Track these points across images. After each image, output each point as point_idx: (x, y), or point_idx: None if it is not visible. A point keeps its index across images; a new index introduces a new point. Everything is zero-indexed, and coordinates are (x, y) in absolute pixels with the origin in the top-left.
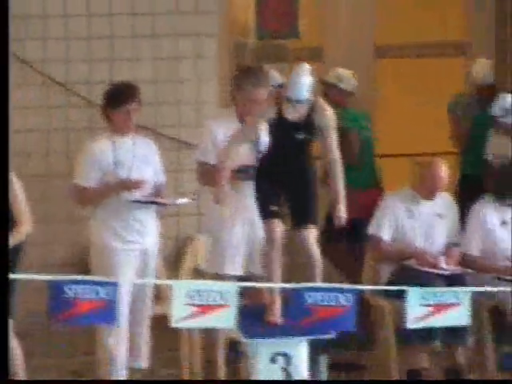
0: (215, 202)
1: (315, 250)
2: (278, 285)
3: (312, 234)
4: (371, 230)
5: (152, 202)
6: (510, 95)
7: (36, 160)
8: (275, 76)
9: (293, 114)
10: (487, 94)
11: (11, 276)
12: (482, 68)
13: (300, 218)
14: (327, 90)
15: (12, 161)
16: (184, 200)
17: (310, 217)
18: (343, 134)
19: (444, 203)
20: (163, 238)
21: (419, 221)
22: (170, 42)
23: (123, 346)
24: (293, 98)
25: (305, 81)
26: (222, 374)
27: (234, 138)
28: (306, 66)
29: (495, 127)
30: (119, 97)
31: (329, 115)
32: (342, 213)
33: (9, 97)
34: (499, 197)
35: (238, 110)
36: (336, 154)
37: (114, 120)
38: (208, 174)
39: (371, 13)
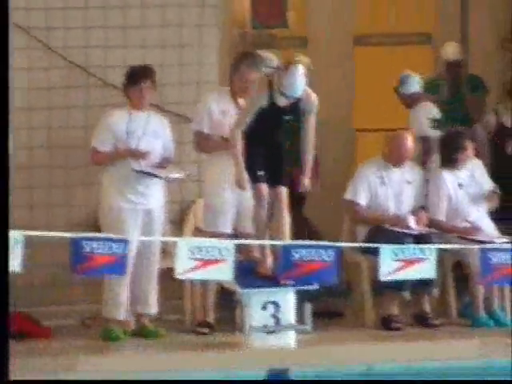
0: (238, 187)
1: (285, 205)
2: (268, 242)
3: (283, 192)
4: (348, 195)
5: (150, 174)
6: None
7: (58, 133)
8: (271, 58)
9: (284, 103)
10: (456, 71)
11: (41, 233)
12: (451, 48)
13: (275, 179)
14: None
15: (37, 133)
16: (177, 175)
17: (282, 179)
18: None
19: (411, 171)
20: (169, 202)
21: (390, 186)
22: (177, 30)
23: (126, 293)
24: (288, 94)
25: (300, 81)
26: (217, 314)
27: (238, 122)
28: (301, 67)
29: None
30: (135, 76)
31: (313, 101)
32: (306, 182)
33: (9, 98)
34: (450, 161)
35: (232, 89)
36: (312, 135)
37: (131, 96)
38: (203, 142)
39: (351, 5)
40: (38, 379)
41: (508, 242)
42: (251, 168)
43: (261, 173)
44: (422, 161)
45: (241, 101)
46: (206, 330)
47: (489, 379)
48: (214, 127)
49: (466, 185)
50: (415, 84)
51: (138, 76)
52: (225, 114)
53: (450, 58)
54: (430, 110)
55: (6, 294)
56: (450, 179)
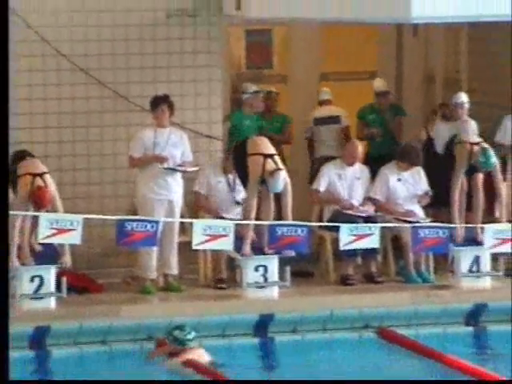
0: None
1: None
2: (259, 222)
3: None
4: (314, 185)
5: (173, 169)
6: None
7: (107, 144)
8: (251, 86)
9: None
10: (383, 100)
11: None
12: (378, 82)
13: None
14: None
15: (93, 145)
16: (192, 169)
17: None
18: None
19: (360, 169)
20: (186, 192)
21: (344, 180)
22: (193, 70)
23: (156, 259)
24: (273, 191)
25: (281, 182)
26: (224, 276)
27: None
28: (282, 173)
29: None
30: (156, 102)
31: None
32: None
33: (9, 100)
34: (401, 164)
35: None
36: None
37: (154, 117)
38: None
39: (318, 52)
40: (38, 379)
41: (430, 222)
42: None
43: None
44: None
45: None
46: (224, 286)
47: (417, 322)
48: None
49: (404, 180)
50: None
51: (158, 102)
52: None
53: (377, 89)
54: None
55: (6, 296)
56: (393, 175)
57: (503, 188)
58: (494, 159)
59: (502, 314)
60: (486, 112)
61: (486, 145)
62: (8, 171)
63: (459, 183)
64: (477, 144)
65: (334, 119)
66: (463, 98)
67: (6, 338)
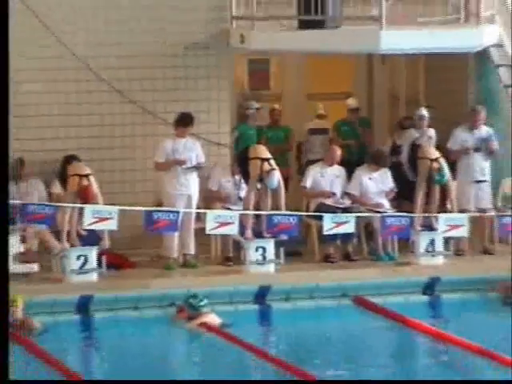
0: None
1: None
2: (259, 212)
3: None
4: (302, 182)
5: (192, 168)
6: None
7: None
8: (253, 104)
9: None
10: (354, 115)
11: (130, 207)
12: (351, 100)
13: None
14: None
15: (127, 151)
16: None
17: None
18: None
19: (338, 170)
20: (201, 189)
21: (326, 178)
22: (207, 92)
23: (177, 242)
24: (270, 187)
25: (276, 179)
26: (231, 255)
27: None
28: (277, 172)
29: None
30: (180, 118)
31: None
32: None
33: (9, 102)
34: (373, 165)
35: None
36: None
37: (176, 130)
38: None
39: (305, 76)
40: (37, 379)
41: (395, 212)
42: (244, 172)
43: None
44: None
45: None
46: (231, 263)
47: (385, 292)
48: None
49: (374, 179)
50: None
51: (179, 120)
52: None
53: (350, 106)
54: None
55: (6, 296)
56: (364, 174)
57: (453, 186)
58: (447, 176)
59: (452, 285)
60: (439, 125)
61: (442, 161)
62: (8, 173)
63: (421, 189)
64: (435, 160)
65: (323, 130)
66: (424, 112)
67: (6, 338)
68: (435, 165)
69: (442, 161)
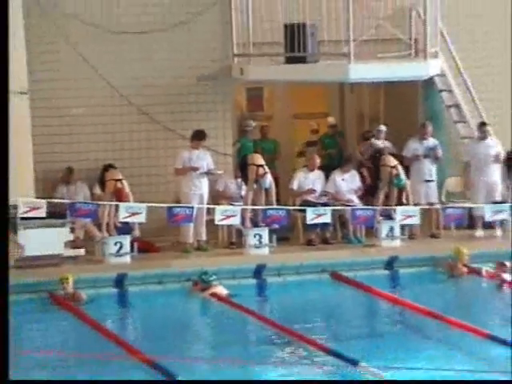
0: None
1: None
2: (257, 207)
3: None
4: (290, 184)
5: (206, 173)
6: None
7: (159, 160)
8: (251, 122)
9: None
10: (334, 129)
11: (155, 204)
12: (330, 119)
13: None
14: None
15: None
16: (219, 172)
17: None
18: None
19: (318, 173)
20: (211, 190)
21: (309, 181)
22: (213, 113)
23: (192, 230)
24: (264, 187)
25: (268, 181)
26: (234, 240)
27: None
28: (269, 176)
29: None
30: (195, 134)
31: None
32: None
33: (8, 105)
34: (343, 169)
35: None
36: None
37: (191, 144)
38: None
39: (291, 100)
40: (37, 379)
41: (363, 206)
42: (243, 173)
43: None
44: None
45: None
46: (235, 247)
47: (355, 268)
48: None
49: (346, 180)
50: None
51: (195, 135)
52: None
53: (330, 123)
54: None
55: (6, 296)
56: (339, 176)
57: (408, 186)
58: (404, 181)
59: (407, 262)
60: (396, 137)
61: (399, 168)
62: (8, 174)
63: (383, 190)
64: (394, 167)
65: (315, 142)
66: (382, 127)
67: (6, 338)
68: (394, 171)
69: (400, 168)
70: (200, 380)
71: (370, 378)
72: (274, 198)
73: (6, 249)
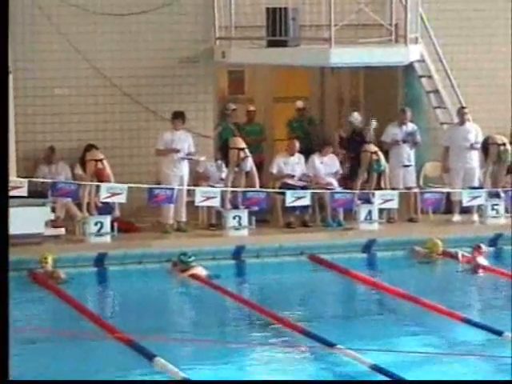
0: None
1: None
2: (237, 189)
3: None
4: (270, 168)
5: (187, 158)
6: None
7: (141, 141)
8: (231, 105)
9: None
10: (302, 113)
11: (136, 185)
12: (299, 103)
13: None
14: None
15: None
16: (201, 158)
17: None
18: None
19: (298, 157)
20: (191, 171)
21: (289, 165)
22: (195, 95)
23: (172, 211)
24: (245, 170)
25: (250, 164)
26: (214, 222)
27: None
28: (250, 159)
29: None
30: (174, 115)
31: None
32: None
33: (8, 104)
34: (322, 153)
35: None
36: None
37: (172, 124)
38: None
39: (272, 83)
40: (37, 379)
41: (342, 189)
42: (224, 156)
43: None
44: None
45: None
46: (214, 228)
47: (334, 250)
48: None
49: (324, 163)
50: None
51: (175, 116)
52: None
53: (298, 106)
54: None
55: (6, 296)
56: (316, 160)
57: (387, 171)
58: (384, 166)
59: (385, 245)
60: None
61: (380, 153)
62: (8, 170)
63: (362, 174)
64: (375, 153)
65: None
66: (356, 115)
67: (6, 338)
68: (374, 157)
69: (380, 153)
70: (200, 380)
71: (348, 359)
72: (256, 182)
73: (6, 246)
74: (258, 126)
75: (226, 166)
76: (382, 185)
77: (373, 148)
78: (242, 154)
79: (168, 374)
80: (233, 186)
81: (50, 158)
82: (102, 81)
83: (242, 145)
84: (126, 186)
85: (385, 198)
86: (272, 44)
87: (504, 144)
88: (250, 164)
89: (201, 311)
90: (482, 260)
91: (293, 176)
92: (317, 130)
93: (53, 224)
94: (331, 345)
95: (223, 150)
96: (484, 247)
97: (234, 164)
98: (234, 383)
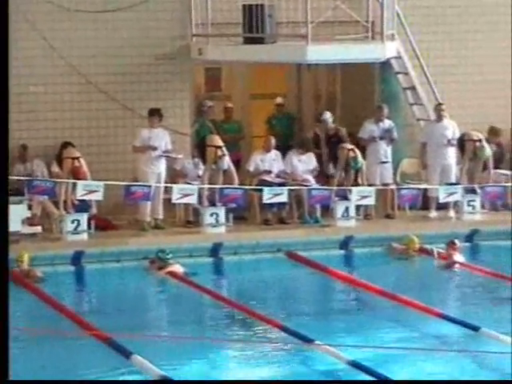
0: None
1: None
2: (214, 186)
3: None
4: (247, 166)
5: (164, 156)
6: None
7: (119, 138)
8: (208, 102)
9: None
10: (280, 109)
11: (112, 182)
12: (278, 99)
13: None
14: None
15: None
16: (179, 156)
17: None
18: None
19: (275, 154)
20: (168, 168)
21: (266, 162)
22: (172, 92)
23: (149, 208)
24: (221, 168)
25: (226, 163)
26: (191, 219)
27: None
28: (227, 158)
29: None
30: (150, 113)
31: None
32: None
33: (8, 102)
34: (300, 150)
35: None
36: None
37: (149, 122)
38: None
39: (249, 80)
40: (37, 379)
41: (319, 186)
42: (202, 151)
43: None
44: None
45: None
46: (191, 226)
47: (310, 247)
48: None
49: (302, 161)
50: None
51: (151, 113)
52: None
53: (277, 102)
54: None
55: (6, 296)
56: (294, 157)
57: (363, 168)
58: (361, 163)
59: (362, 242)
60: (352, 119)
61: (357, 151)
62: (8, 170)
63: (339, 171)
64: (352, 150)
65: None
66: (327, 116)
67: (6, 338)
68: (351, 154)
69: (357, 150)
70: (200, 380)
71: (326, 356)
72: (235, 179)
73: (6, 245)
74: (236, 124)
75: (203, 163)
76: (359, 181)
77: (349, 145)
78: (219, 152)
79: (145, 371)
80: (210, 184)
81: (24, 155)
82: (78, 78)
83: (219, 143)
84: (102, 183)
85: (362, 195)
86: (249, 41)
87: (480, 140)
88: (226, 162)
89: (178, 308)
90: (457, 257)
91: (270, 172)
92: (295, 126)
93: (29, 222)
94: (309, 341)
95: (200, 148)
96: (458, 243)
97: (211, 162)
98: (233, 383)
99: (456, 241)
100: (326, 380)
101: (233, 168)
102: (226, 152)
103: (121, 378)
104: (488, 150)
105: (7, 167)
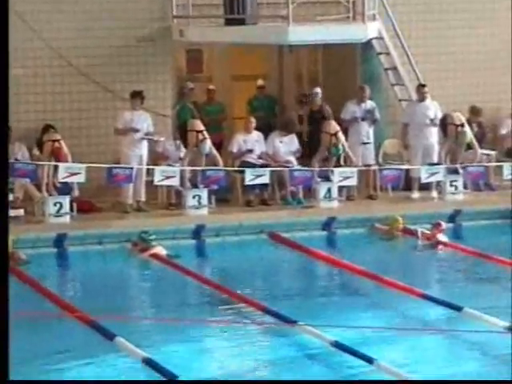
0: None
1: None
2: (197, 168)
3: None
4: (230, 147)
5: (146, 138)
6: None
7: (102, 121)
8: (189, 84)
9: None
10: (262, 91)
11: (95, 164)
12: (260, 81)
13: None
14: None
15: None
16: (161, 138)
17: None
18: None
19: (257, 135)
20: (150, 151)
21: (248, 143)
22: (153, 74)
23: (131, 190)
24: (203, 153)
25: (208, 147)
26: (173, 201)
27: None
28: (208, 142)
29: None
30: (132, 94)
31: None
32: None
33: (8, 97)
34: (282, 132)
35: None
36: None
37: (131, 103)
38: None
39: (230, 61)
40: (37, 379)
41: (301, 167)
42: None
43: None
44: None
45: None
46: (174, 208)
47: (293, 228)
48: None
49: (284, 142)
50: None
51: (133, 95)
52: None
53: (259, 84)
54: None
55: (6, 296)
56: (277, 139)
57: (346, 150)
58: (341, 151)
59: (345, 223)
60: (334, 100)
61: (340, 135)
62: (8, 167)
63: (321, 154)
64: (335, 135)
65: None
66: (318, 90)
67: (6, 338)
68: (334, 140)
69: (340, 135)
70: (200, 380)
71: (309, 337)
72: (219, 162)
73: (5, 245)
74: (219, 106)
75: (185, 147)
76: (342, 162)
77: (333, 129)
78: (200, 136)
79: (128, 353)
80: (192, 166)
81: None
82: (59, 61)
83: (201, 127)
84: (84, 165)
85: (344, 176)
86: (230, 22)
87: (462, 125)
88: (208, 146)
89: (161, 291)
90: (441, 237)
91: (251, 150)
92: (276, 108)
93: (12, 205)
94: (292, 322)
95: (181, 132)
96: (444, 224)
97: (193, 146)
98: (233, 383)
99: (442, 222)
100: (325, 380)
101: (215, 152)
102: (207, 136)
103: (104, 360)
104: (470, 135)
105: (7, 153)
